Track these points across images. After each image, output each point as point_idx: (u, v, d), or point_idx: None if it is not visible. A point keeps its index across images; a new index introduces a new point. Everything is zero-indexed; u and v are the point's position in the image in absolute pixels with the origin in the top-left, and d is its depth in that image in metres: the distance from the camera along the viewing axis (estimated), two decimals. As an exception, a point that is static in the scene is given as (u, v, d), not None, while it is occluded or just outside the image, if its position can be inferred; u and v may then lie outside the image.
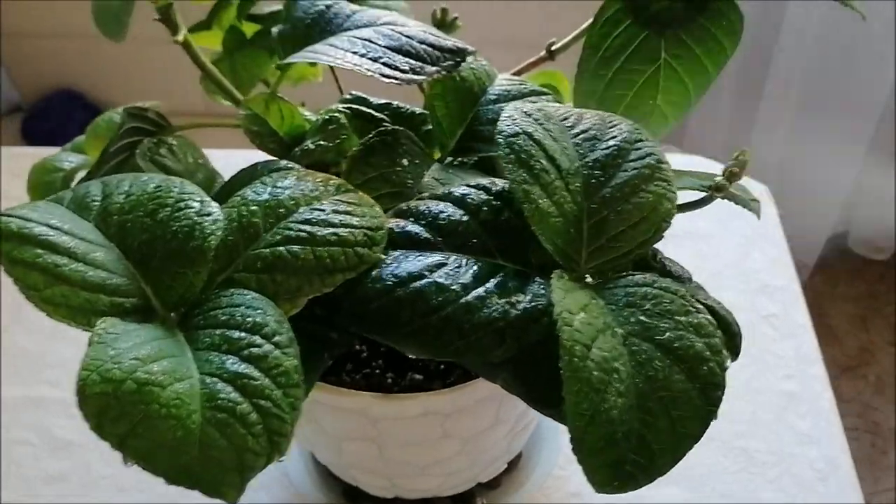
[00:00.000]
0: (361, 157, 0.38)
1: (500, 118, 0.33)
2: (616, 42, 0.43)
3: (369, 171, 0.38)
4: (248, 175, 0.35)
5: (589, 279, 0.33)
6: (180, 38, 0.37)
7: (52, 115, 1.49)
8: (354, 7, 0.41)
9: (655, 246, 0.35)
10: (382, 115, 0.42)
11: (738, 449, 0.59)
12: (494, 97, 0.42)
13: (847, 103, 1.32)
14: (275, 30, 0.41)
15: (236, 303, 0.29)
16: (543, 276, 0.32)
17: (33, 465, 0.57)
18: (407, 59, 0.37)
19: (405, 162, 0.38)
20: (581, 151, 0.34)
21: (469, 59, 0.40)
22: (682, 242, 0.72)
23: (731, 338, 0.34)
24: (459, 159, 0.41)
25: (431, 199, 0.34)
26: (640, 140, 0.35)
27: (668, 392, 0.29)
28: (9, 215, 0.29)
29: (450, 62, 0.39)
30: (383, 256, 0.32)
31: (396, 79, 0.36)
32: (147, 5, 0.38)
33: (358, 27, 0.39)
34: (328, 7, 0.40)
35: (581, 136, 0.35)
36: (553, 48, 0.47)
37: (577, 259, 0.33)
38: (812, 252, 1.44)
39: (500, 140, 0.32)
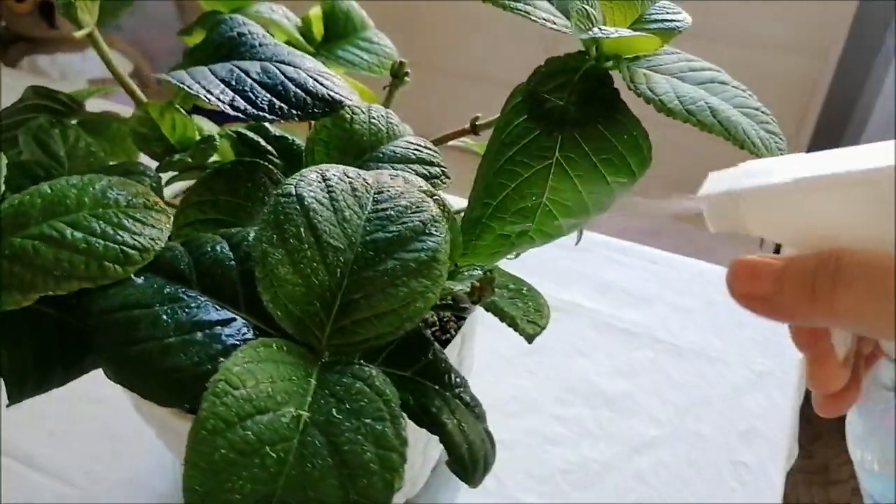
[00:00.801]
0: (207, 180, 0.39)
1: (292, 176, 0.33)
2: (514, 131, 0.42)
3: (206, 194, 0.39)
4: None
5: (327, 356, 0.32)
6: (83, 33, 0.40)
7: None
8: (267, 40, 0.42)
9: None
10: (269, 148, 0.43)
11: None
12: (381, 155, 0.42)
13: None
14: (190, 46, 0.43)
15: None
16: (285, 340, 0.31)
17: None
18: (271, 98, 0.38)
19: (243, 193, 0.39)
20: (369, 229, 0.33)
21: (369, 112, 0.40)
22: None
23: (456, 461, 0.32)
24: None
25: (222, 236, 0.35)
26: (429, 234, 0.33)
27: (315, 493, 0.28)
28: None
29: (316, 111, 0.39)
30: (131, 276, 0.33)
31: (245, 114, 0.37)
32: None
33: (252, 58, 0.41)
34: (240, 35, 0.42)
35: (380, 213, 0.34)
36: (477, 122, 0.46)
37: (316, 333, 0.32)
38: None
39: (271, 197, 0.32)
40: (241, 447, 0.27)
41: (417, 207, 0.34)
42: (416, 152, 0.42)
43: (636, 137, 0.40)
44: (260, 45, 0.41)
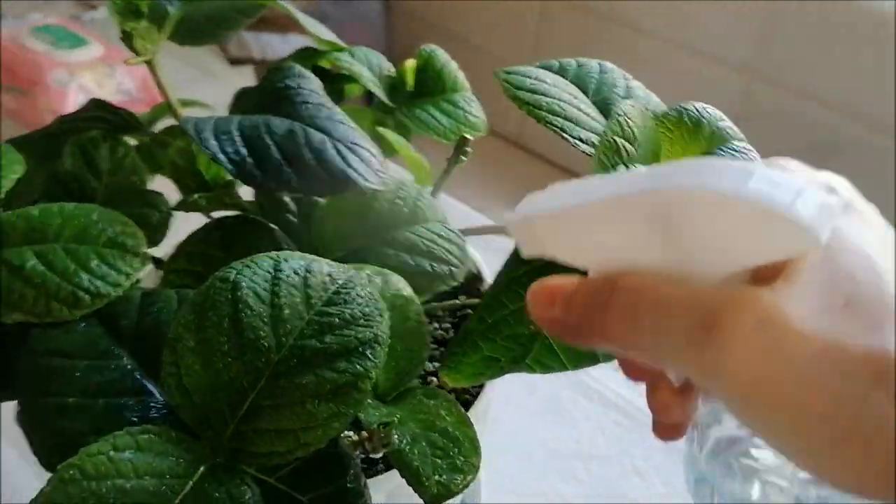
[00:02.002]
0: (206, 229, 0.39)
1: (244, 260, 0.32)
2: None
3: (199, 245, 0.38)
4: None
5: (222, 458, 0.30)
6: (144, 59, 0.41)
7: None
8: (313, 98, 0.41)
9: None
10: (290, 205, 0.42)
11: None
12: (391, 240, 0.40)
13: None
14: (243, 89, 0.42)
15: None
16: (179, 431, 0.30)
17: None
18: (283, 168, 0.37)
19: (235, 251, 0.38)
20: (306, 332, 0.31)
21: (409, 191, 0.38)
22: None
23: None
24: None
25: (180, 297, 0.34)
26: (362, 355, 0.30)
27: None
28: None
29: (326, 189, 0.37)
30: (76, 319, 0.33)
31: (251, 183, 0.36)
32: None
33: (288, 116, 0.39)
34: (288, 87, 0.41)
35: (325, 317, 0.31)
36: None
37: (217, 430, 0.30)
38: None
39: (212, 279, 0.31)
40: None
41: (366, 322, 0.31)
42: (428, 244, 0.40)
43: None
44: (303, 102, 0.40)
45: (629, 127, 0.33)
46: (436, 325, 0.50)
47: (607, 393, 0.68)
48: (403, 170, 0.49)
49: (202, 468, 0.30)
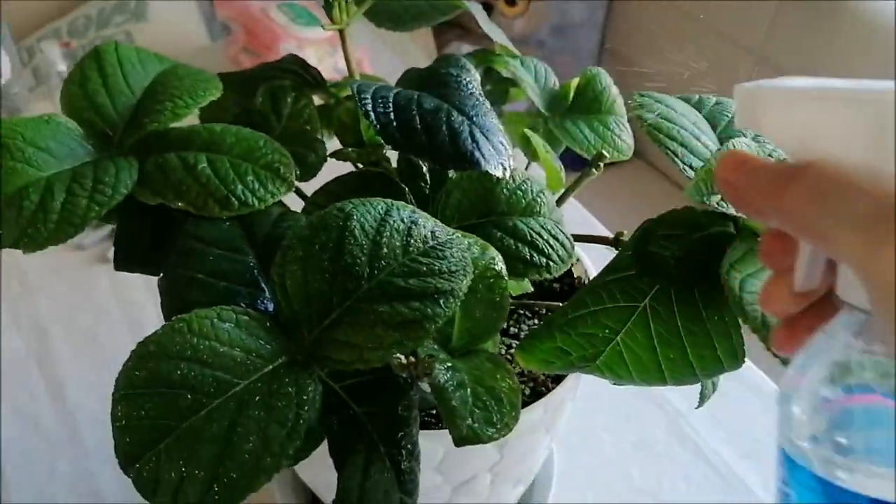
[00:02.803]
0: (346, 177, 0.45)
1: (362, 199, 0.37)
2: (621, 259, 0.40)
3: (338, 188, 0.44)
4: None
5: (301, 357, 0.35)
6: (338, 27, 0.47)
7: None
8: (468, 88, 0.45)
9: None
10: (426, 175, 0.47)
11: None
12: (500, 223, 0.43)
13: None
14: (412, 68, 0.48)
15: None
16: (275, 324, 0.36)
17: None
18: (419, 137, 0.41)
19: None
20: (396, 272, 0.35)
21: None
22: None
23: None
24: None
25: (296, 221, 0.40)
26: (435, 302, 0.34)
27: (197, 450, 0.32)
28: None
29: (450, 164, 0.41)
30: (223, 218, 0.39)
31: (390, 143, 0.41)
32: None
33: (440, 97, 0.44)
34: (449, 74, 0.46)
35: (416, 263, 0.35)
36: (619, 238, 0.45)
37: (304, 332, 0.35)
38: None
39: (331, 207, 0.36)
40: (164, 380, 0.32)
41: (449, 277, 0.35)
42: (534, 235, 0.43)
43: (728, 328, 0.36)
44: (457, 89, 0.45)
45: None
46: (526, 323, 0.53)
47: (702, 445, 0.67)
48: (542, 173, 0.53)
49: (284, 358, 0.35)
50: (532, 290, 0.50)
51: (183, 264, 0.37)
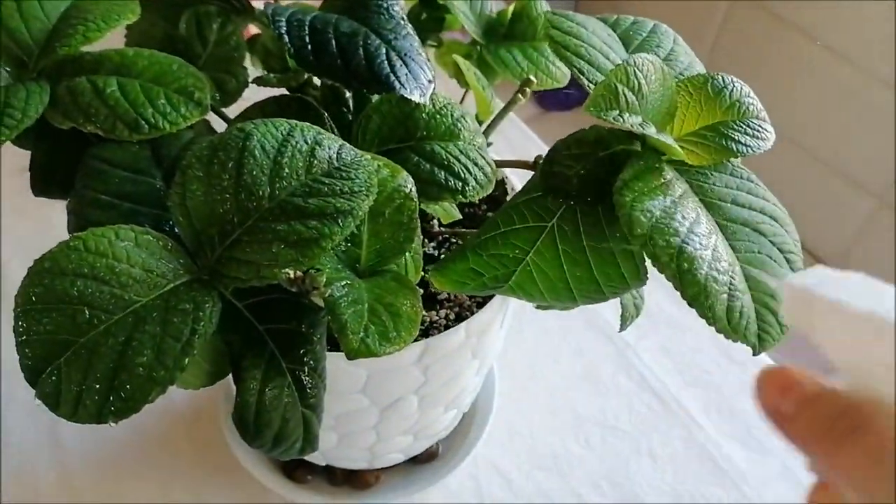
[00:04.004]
0: (264, 102, 0.44)
1: (265, 119, 0.37)
2: (532, 182, 0.40)
3: (256, 114, 0.44)
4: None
5: (205, 276, 0.36)
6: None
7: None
8: (392, 12, 0.45)
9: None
10: (348, 101, 0.47)
11: None
12: (419, 148, 0.43)
13: None
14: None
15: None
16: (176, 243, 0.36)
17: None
18: (335, 61, 0.41)
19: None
20: (297, 192, 0.35)
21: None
22: None
23: (237, 418, 0.34)
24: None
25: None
26: (333, 221, 0.34)
27: (91, 362, 0.33)
28: None
29: (368, 89, 0.41)
30: (133, 141, 0.39)
31: (305, 68, 0.41)
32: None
33: (362, 21, 0.44)
34: (371, -4, 0.45)
35: (317, 183, 0.35)
36: (537, 162, 0.45)
37: (207, 252, 0.36)
38: None
39: (232, 126, 0.36)
40: (61, 296, 0.33)
41: (350, 197, 0.35)
42: (451, 159, 0.43)
43: (629, 255, 0.36)
44: (378, 13, 0.44)
45: (636, 77, 0.35)
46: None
47: (648, 375, 0.68)
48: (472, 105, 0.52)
49: (186, 278, 0.35)
50: (461, 216, 0.50)
51: (87, 185, 0.38)
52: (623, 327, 0.47)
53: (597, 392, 0.67)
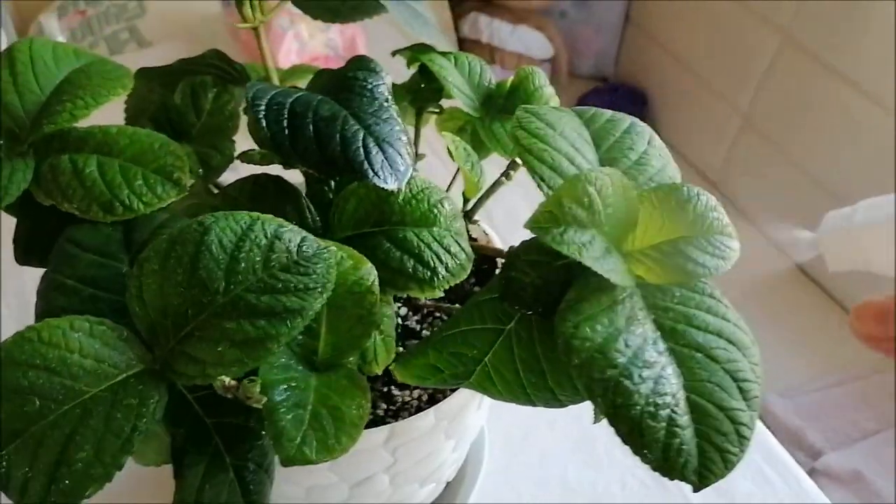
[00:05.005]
0: (242, 181, 0.45)
1: (227, 213, 0.37)
2: (496, 281, 0.40)
3: (233, 192, 0.45)
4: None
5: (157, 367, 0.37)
6: (251, 25, 0.47)
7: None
8: (376, 93, 0.45)
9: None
10: (331, 180, 0.47)
11: None
12: (388, 232, 0.43)
13: None
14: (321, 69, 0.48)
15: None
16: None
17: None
18: (311, 148, 0.42)
19: (258, 209, 0.44)
20: (252, 287, 0.36)
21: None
22: None
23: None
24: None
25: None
26: (282, 322, 0.35)
27: (39, 455, 0.34)
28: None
29: (344, 177, 0.41)
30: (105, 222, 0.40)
31: (281, 158, 0.42)
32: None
33: (342, 104, 0.44)
34: (355, 79, 0.45)
35: (272, 279, 0.36)
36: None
37: (161, 343, 0.36)
38: None
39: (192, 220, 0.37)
40: (12, 386, 0.34)
41: (303, 295, 0.36)
42: (422, 247, 0.43)
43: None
44: (361, 94, 0.44)
45: (587, 192, 0.34)
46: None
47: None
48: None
49: (139, 368, 0.36)
50: (442, 294, 0.50)
51: (56, 268, 0.39)
52: (596, 419, 0.46)
53: (590, 463, 0.66)
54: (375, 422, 0.48)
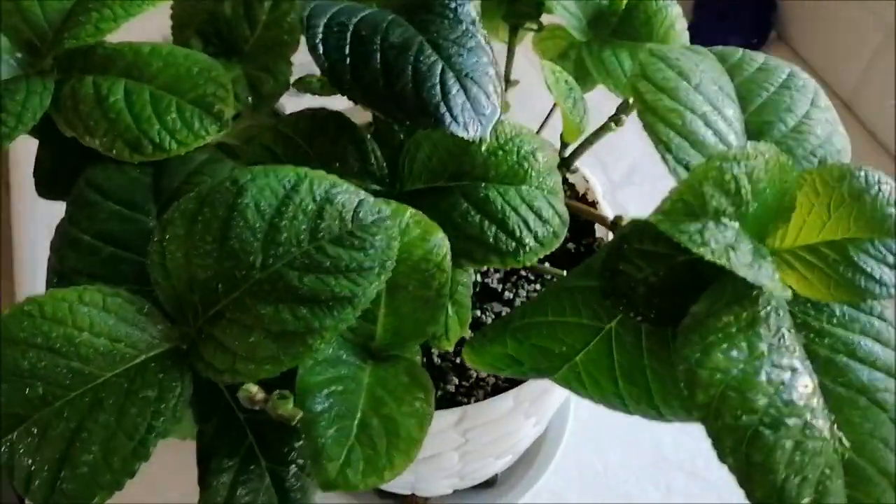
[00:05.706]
0: (299, 115, 0.38)
1: (267, 167, 0.30)
2: (592, 269, 0.32)
3: (288, 128, 0.37)
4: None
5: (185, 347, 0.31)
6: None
7: None
8: (460, 12, 0.36)
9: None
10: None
11: None
12: (471, 191, 0.36)
13: None
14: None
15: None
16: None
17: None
18: (375, 80, 0.34)
19: (317, 145, 0.37)
20: (295, 264, 0.29)
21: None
22: None
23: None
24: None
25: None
26: (327, 312, 0.28)
27: (42, 444, 0.29)
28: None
29: (409, 121, 0.34)
30: (132, 163, 0.34)
31: (339, 88, 0.34)
32: None
33: (420, 27, 0.36)
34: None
35: (319, 254, 0.29)
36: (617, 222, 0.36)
37: (188, 320, 0.30)
38: None
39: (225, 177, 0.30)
40: (11, 368, 0.28)
41: (355, 276, 0.29)
42: (507, 210, 0.35)
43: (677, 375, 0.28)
44: (442, 16, 0.36)
45: (734, 178, 0.25)
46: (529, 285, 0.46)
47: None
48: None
49: (162, 348, 0.30)
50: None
51: (72, 219, 0.33)
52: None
53: (687, 433, 0.59)
54: (446, 399, 0.42)
